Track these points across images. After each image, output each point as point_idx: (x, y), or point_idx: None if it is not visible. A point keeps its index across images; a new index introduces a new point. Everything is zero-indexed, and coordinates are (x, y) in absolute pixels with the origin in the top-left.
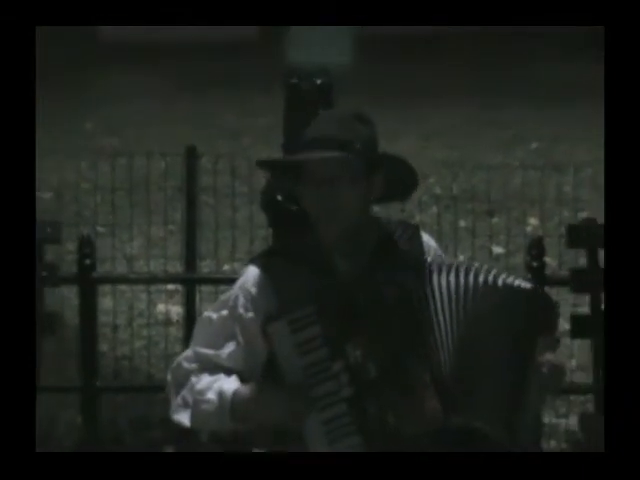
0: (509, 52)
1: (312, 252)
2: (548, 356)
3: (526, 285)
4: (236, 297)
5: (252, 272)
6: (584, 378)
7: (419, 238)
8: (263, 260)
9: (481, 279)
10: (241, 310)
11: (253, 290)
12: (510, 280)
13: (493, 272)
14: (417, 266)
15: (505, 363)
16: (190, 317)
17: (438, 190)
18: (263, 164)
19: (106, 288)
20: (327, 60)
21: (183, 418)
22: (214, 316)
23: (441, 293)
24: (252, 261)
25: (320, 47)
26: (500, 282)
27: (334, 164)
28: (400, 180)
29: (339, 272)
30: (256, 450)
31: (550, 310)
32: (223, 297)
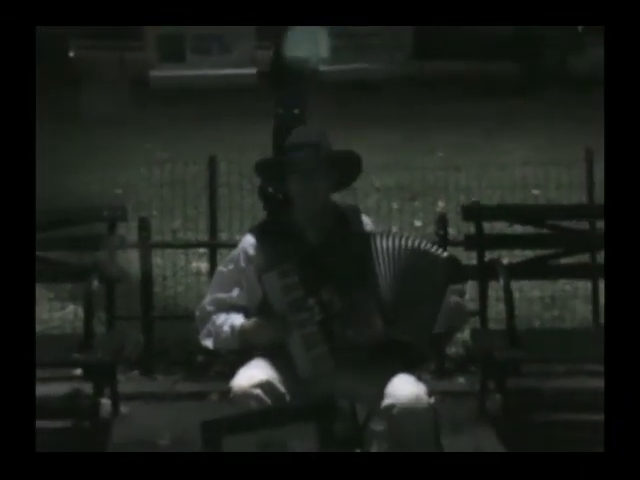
0: (428, 94)
1: (291, 226)
2: (454, 299)
3: (442, 254)
4: (238, 255)
5: (249, 238)
6: (473, 306)
7: (359, 217)
8: (257, 230)
9: (409, 244)
10: (243, 264)
11: (250, 250)
12: (428, 246)
13: (417, 240)
14: (360, 235)
15: (426, 300)
16: (213, 270)
17: (378, 184)
18: (262, 164)
19: (157, 251)
20: (309, 55)
21: (208, 343)
22: (224, 270)
23: (378, 252)
24: (249, 231)
25: (303, 44)
26: (422, 247)
27: (313, 161)
28: (348, 173)
29: (309, 240)
30: (255, 356)
31: (458, 270)
32: (229, 257)
